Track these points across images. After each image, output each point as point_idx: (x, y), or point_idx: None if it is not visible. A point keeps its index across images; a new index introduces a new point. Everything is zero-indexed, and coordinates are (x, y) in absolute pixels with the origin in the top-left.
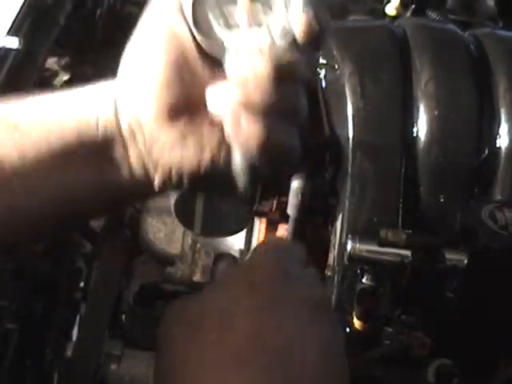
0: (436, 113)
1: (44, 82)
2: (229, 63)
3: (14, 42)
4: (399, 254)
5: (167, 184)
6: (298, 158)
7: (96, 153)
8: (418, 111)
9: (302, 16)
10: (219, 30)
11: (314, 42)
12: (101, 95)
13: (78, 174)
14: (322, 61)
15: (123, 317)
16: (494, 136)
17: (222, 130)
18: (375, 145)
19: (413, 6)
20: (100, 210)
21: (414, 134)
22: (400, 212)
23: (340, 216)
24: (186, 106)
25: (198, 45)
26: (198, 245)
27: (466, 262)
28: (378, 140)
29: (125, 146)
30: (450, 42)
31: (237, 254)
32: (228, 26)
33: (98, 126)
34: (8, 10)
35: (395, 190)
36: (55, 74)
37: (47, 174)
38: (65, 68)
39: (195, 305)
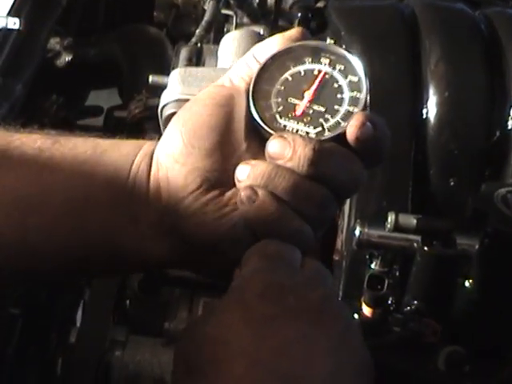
0: (446, 94)
1: (46, 63)
2: (270, 144)
3: (15, 23)
4: (409, 239)
5: (176, 253)
6: (307, 247)
7: (118, 204)
8: (427, 93)
9: (358, 115)
10: (275, 115)
11: (364, 147)
12: (140, 147)
13: (95, 222)
14: (329, 41)
15: (128, 303)
16: (505, 118)
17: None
18: None
19: None
20: (108, 268)
21: (424, 116)
22: (410, 196)
23: (348, 200)
24: (219, 181)
25: (248, 121)
26: None
27: (477, 247)
28: (388, 122)
29: (148, 203)
30: (459, 21)
31: None
32: (285, 115)
33: (129, 176)
34: None
35: (404, 174)
36: (57, 55)
37: (64, 216)
38: (67, 49)
39: (194, 339)
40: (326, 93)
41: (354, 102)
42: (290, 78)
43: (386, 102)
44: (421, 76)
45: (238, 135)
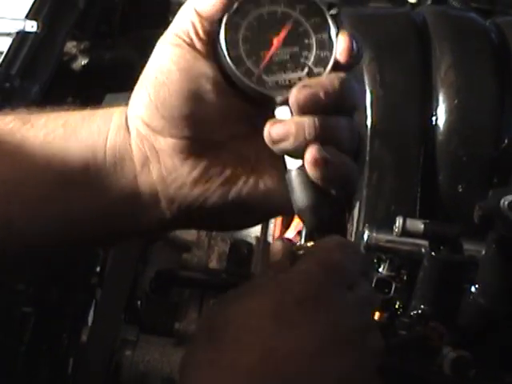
0: (455, 102)
1: (62, 66)
2: (277, 98)
3: (32, 26)
4: (417, 244)
5: (181, 219)
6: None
7: (101, 177)
8: (437, 100)
9: (343, 40)
10: (261, 75)
11: (354, 63)
12: (109, 120)
13: (79, 199)
14: None
15: (139, 303)
16: None
17: (250, 161)
18: (394, 133)
19: None
20: (103, 239)
21: (433, 123)
22: (418, 201)
23: (357, 204)
24: (210, 144)
25: (216, 79)
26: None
27: (483, 252)
28: (397, 128)
29: (136, 176)
30: (470, 30)
31: (253, 241)
32: (270, 71)
33: (105, 151)
34: None
35: (413, 179)
36: (74, 58)
37: (45, 199)
38: (83, 52)
39: (224, 313)
40: (291, 32)
41: (318, 29)
42: (251, 34)
43: (396, 109)
44: (431, 83)
45: (209, 94)
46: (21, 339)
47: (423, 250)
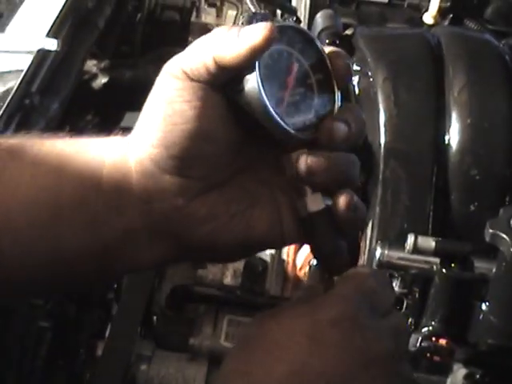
0: (468, 121)
1: (83, 84)
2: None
3: (53, 44)
4: (428, 261)
5: (185, 256)
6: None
7: (95, 215)
8: (450, 119)
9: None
10: (284, 119)
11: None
12: (106, 150)
13: (71, 236)
14: (355, 67)
15: (154, 318)
16: None
17: (253, 195)
18: (407, 152)
19: (451, 15)
20: (98, 278)
21: (446, 142)
22: (430, 219)
23: (370, 222)
24: (214, 180)
25: (231, 117)
26: None
27: (494, 270)
28: (410, 147)
29: (138, 214)
30: (483, 51)
31: (268, 259)
32: (288, 114)
33: (100, 184)
34: (48, 12)
35: (426, 198)
36: (94, 77)
37: (37, 231)
38: (104, 71)
39: (256, 328)
40: (297, 72)
41: (315, 69)
42: (268, 73)
43: (409, 128)
44: (444, 103)
45: (219, 132)
46: (38, 354)
47: (434, 267)
